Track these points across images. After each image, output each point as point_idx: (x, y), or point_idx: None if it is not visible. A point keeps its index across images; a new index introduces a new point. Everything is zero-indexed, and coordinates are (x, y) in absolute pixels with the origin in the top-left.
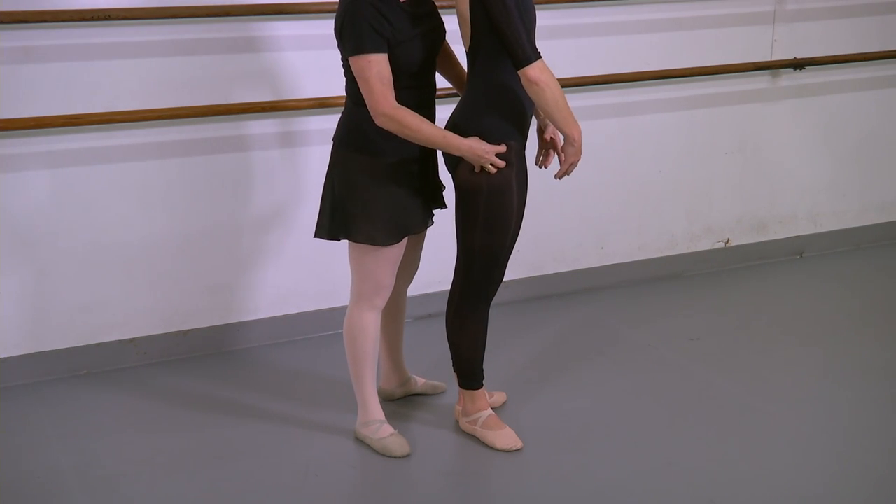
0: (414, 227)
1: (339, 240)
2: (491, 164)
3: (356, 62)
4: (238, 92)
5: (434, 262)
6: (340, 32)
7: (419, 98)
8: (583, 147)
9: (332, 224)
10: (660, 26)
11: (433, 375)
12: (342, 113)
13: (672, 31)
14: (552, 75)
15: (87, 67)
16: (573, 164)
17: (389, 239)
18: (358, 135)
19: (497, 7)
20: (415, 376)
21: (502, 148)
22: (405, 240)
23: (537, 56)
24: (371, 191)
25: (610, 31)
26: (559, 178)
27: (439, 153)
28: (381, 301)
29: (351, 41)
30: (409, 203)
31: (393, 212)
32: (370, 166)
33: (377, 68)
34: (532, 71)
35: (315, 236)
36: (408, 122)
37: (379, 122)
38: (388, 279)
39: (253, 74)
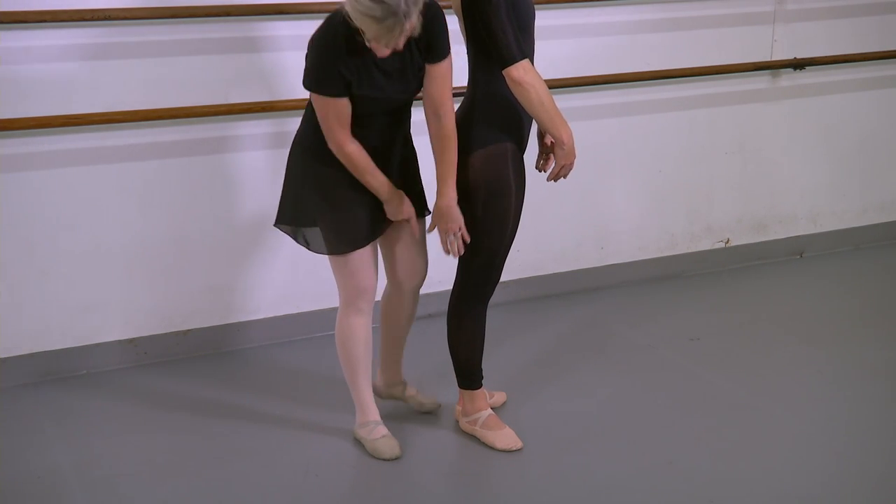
0: (359, 240)
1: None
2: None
3: (315, 98)
4: (238, 92)
5: (434, 262)
6: (305, 58)
7: (373, 139)
8: (583, 147)
9: (289, 218)
10: (660, 26)
11: (434, 376)
12: (306, 107)
13: (672, 31)
14: (537, 76)
15: (87, 67)
16: (566, 167)
17: (336, 248)
18: (312, 137)
19: (484, 4)
20: (409, 384)
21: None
22: (373, 244)
23: (522, 56)
24: (323, 200)
25: (610, 31)
26: (554, 181)
27: (421, 159)
28: (366, 304)
29: (311, 79)
30: (353, 214)
31: (336, 222)
32: (317, 172)
33: (335, 110)
34: (515, 71)
35: (275, 224)
36: (355, 163)
37: (332, 150)
38: (366, 282)
39: (252, 74)
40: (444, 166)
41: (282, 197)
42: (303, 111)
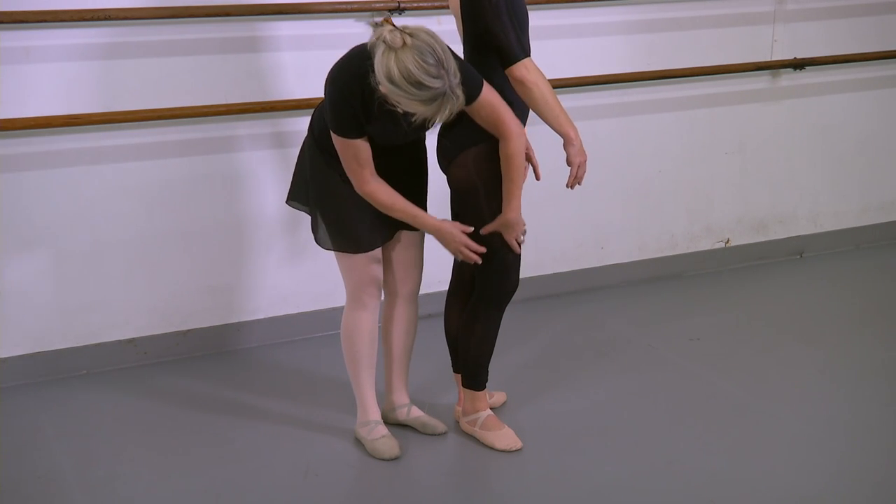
0: (364, 244)
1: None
2: (464, 252)
3: (335, 139)
4: (238, 92)
5: (434, 261)
6: (325, 94)
7: (387, 166)
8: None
9: (302, 199)
10: (660, 26)
11: (434, 376)
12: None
13: (672, 31)
14: (540, 74)
15: (87, 67)
16: (581, 167)
17: (341, 247)
18: (325, 131)
19: (485, 4)
20: (414, 406)
21: (469, 228)
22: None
23: (525, 54)
24: (325, 197)
25: (610, 31)
26: (571, 188)
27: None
28: (371, 299)
29: (332, 122)
30: (356, 219)
31: (337, 223)
32: (324, 169)
33: (353, 151)
34: (517, 70)
35: (286, 202)
36: (379, 199)
37: (354, 188)
38: (369, 275)
39: (252, 74)
40: (507, 184)
41: (293, 175)
42: (302, 111)
